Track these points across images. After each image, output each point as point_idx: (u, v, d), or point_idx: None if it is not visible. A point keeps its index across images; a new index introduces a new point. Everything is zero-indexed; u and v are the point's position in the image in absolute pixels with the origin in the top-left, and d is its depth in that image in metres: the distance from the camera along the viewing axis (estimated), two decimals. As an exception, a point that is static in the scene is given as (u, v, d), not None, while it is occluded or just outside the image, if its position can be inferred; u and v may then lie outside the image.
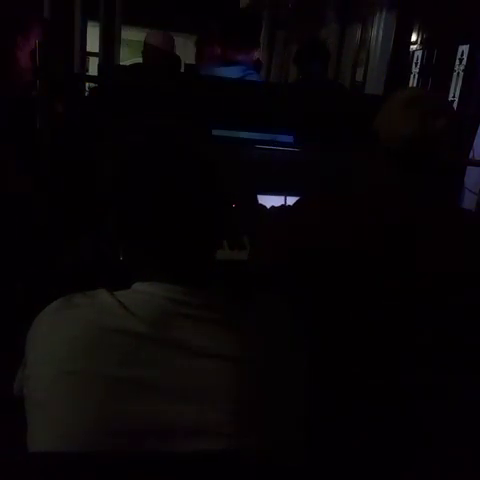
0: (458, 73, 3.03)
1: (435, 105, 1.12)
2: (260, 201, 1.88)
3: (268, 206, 1.79)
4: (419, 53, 3.50)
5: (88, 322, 0.75)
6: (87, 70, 3.29)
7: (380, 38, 3.98)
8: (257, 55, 2.38)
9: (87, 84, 2.45)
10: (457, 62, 3.03)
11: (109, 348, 0.73)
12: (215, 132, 1.90)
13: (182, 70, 3.27)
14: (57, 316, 0.79)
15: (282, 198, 1.87)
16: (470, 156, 2.35)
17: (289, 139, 2.05)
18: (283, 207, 1.71)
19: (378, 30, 4.01)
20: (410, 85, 3.51)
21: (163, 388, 0.72)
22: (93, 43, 3.13)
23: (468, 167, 2.40)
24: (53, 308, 0.80)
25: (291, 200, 1.78)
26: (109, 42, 2.95)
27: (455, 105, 2.93)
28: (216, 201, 0.81)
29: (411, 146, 1.09)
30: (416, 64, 3.52)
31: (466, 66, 2.97)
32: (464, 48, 2.98)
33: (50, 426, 0.73)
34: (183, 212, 0.77)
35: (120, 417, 0.71)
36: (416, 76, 3.52)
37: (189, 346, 0.74)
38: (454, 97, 3.02)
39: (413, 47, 3.59)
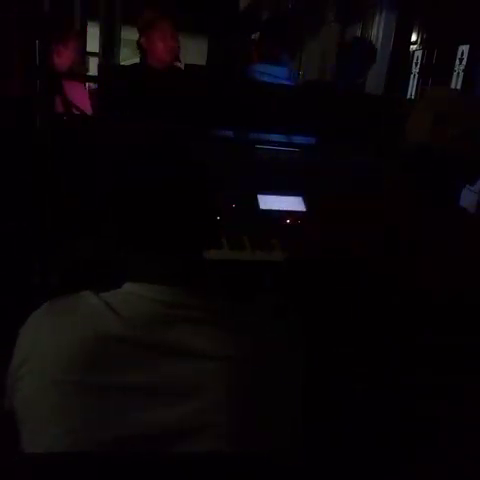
0: (458, 73, 3.03)
1: (460, 108, 1.11)
2: (260, 201, 1.88)
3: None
4: (419, 53, 3.50)
5: (72, 330, 0.74)
6: (87, 70, 3.29)
7: (380, 38, 3.98)
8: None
9: (87, 84, 2.45)
10: (457, 62, 3.03)
11: (97, 355, 0.72)
12: (220, 132, 1.91)
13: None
14: (40, 325, 0.78)
15: (282, 198, 1.87)
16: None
17: (286, 139, 2.05)
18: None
19: (378, 30, 4.01)
20: (410, 85, 3.51)
21: (160, 391, 0.72)
22: (93, 43, 3.12)
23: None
24: (36, 315, 0.80)
25: (292, 200, 1.77)
26: (109, 42, 2.96)
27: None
28: (211, 202, 0.81)
29: (426, 150, 1.08)
30: (416, 64, 3.52)
31: (466, 66, 2.97)
32: (464, 48, 2.98)
33: (40, 439, 0.71)
34: (180, 213, 0.77)
35: (119, 422, 0.71)
36: (416, 76, 3.52)
37: (182, 348, 0.73)
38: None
39: (413, 47, 3.59)
